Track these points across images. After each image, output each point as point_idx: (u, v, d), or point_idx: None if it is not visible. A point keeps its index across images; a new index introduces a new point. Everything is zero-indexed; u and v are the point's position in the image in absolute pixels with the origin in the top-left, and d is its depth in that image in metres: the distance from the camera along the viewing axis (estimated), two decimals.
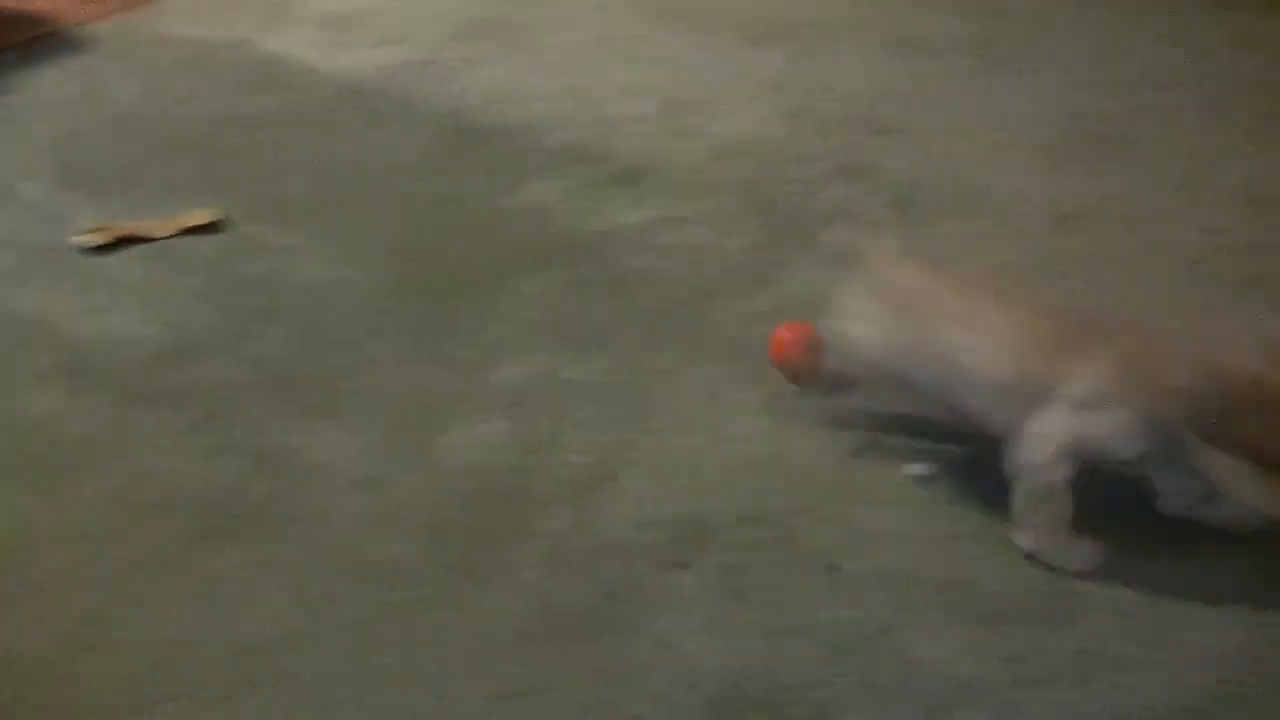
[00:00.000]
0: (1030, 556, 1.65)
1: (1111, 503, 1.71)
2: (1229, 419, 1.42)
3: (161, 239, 2.42)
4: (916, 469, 1.83)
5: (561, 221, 2.48)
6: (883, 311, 1.78)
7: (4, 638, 1.61)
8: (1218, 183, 2.57)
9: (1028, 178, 2.60)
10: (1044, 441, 1.61)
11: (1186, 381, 1.43)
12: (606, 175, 2.63)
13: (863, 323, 1.80)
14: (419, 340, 2.16)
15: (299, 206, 2.55)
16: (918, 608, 1.62)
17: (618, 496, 1.81)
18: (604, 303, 2.24)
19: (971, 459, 1.81)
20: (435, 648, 1.58)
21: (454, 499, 1.82)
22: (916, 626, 1.59)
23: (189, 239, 2.43)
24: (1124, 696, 1.49)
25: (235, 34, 3.27)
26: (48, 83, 3.05)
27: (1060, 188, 2.56)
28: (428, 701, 1.51)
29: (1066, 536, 1.64)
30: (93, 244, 2.39)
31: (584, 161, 2.68)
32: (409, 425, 1.96)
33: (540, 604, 1.64)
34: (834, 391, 1.93)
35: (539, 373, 2.06)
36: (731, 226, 2.44)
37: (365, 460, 1.89)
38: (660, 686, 1.51)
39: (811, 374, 1.95)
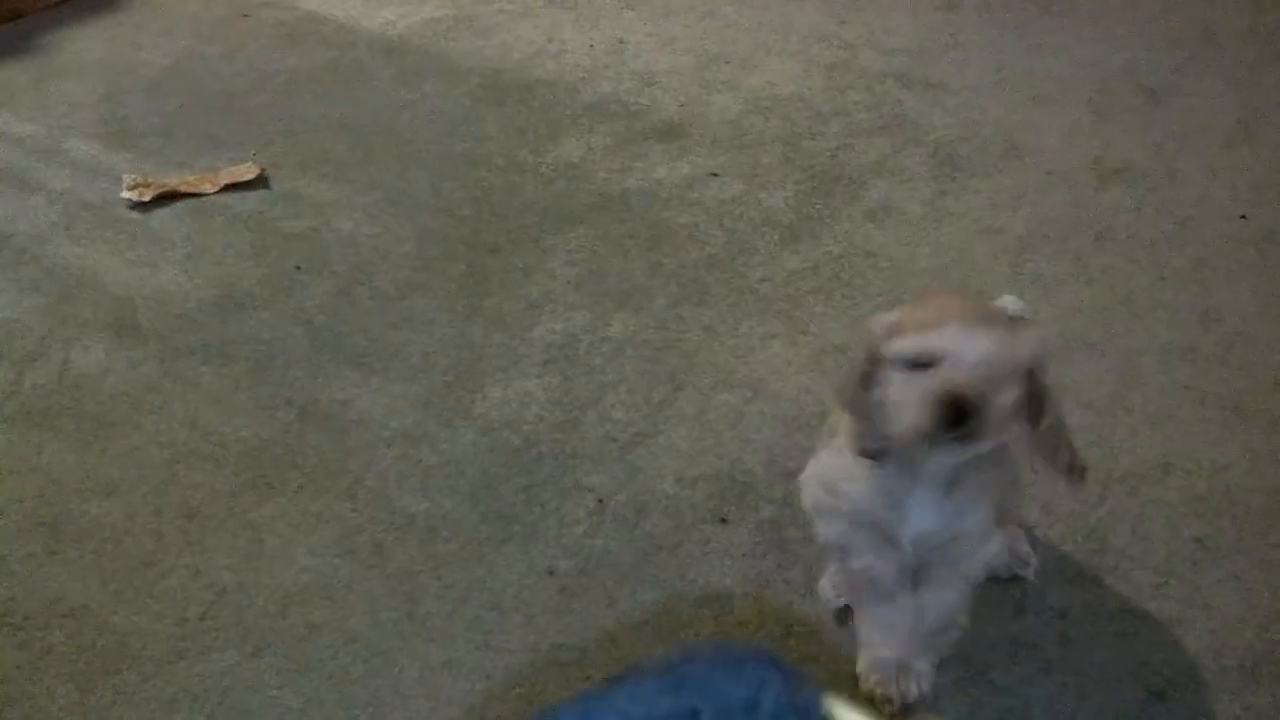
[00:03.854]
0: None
1: None
2: None
3: (206, 194, 2.44)
4: None
5: (598, 177, 2.48)
6: None
7: (57, 585, 1.65)
8: (1265, 138, 2.54)
9: (1071, 132, 2.58)
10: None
11: None
12: (643, 130, 2.62)
13: None
14: (460, 295, 2.17)
15: (339, 163, 2.56)
16: None
17: (659, 452, 1.82)
18: (642, 259, 2.24)
19: None
20: (479, 599, 1.61)
21: (497, 454, 1.84)
22: None
23: (232, 195, 2.45)
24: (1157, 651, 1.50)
25: None
26: (88, 42, 3.07)
27: (1104, 142, 2.54)
28: (471, 651, 1.54)
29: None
30: (139, 199, 2.42)
31: (620, 116, 2.68)
32: (452, 380, 1.98)
33: (584, 559, 1.66)
34: None
35: (580, 329, 2.07)
36: (770, 181, 2.44)
37: (409, 415, 1.91)
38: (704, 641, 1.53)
39: None
